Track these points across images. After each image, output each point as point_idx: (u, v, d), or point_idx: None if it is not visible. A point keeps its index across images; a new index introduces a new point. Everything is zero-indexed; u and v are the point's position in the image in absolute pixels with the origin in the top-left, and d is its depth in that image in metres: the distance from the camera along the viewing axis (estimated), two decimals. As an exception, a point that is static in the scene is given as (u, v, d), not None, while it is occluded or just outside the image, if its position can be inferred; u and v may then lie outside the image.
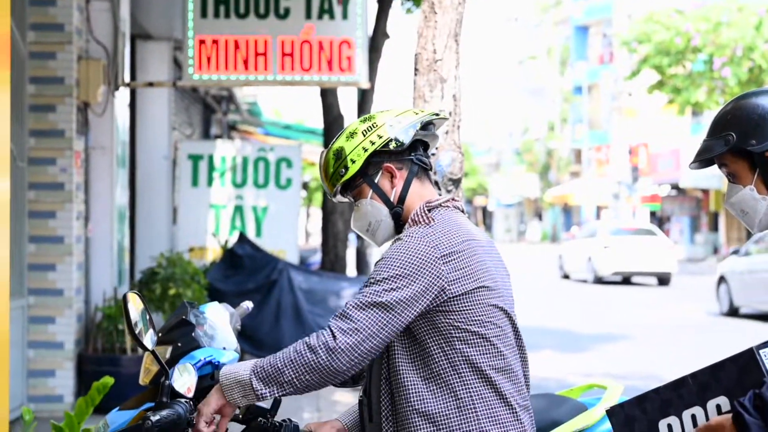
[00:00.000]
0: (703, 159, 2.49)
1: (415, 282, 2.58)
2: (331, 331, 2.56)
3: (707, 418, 2.22)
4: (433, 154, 4.04)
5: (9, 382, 3.91)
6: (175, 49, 11.37)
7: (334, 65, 8.33)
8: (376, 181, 2.76)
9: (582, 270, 26.74)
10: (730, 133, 2.44)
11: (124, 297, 2.89)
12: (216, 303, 3.49)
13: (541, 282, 26.30)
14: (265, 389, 2.59)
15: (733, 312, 17.32)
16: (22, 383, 7.68)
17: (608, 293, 22.94)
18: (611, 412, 2.42)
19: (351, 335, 2.55)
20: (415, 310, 2.59)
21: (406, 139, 2.74)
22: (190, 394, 2.98)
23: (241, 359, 3.23)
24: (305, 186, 28.90)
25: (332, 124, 12.26)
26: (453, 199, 2.81)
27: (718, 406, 2.19)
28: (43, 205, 7.87)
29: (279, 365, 2.59)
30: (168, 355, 3.20)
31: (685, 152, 34.21)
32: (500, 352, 2.67)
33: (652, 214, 40.91)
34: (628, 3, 42.83)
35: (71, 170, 7.89)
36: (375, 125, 2.76)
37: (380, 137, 2.74)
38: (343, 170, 2.75)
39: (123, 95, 9.01)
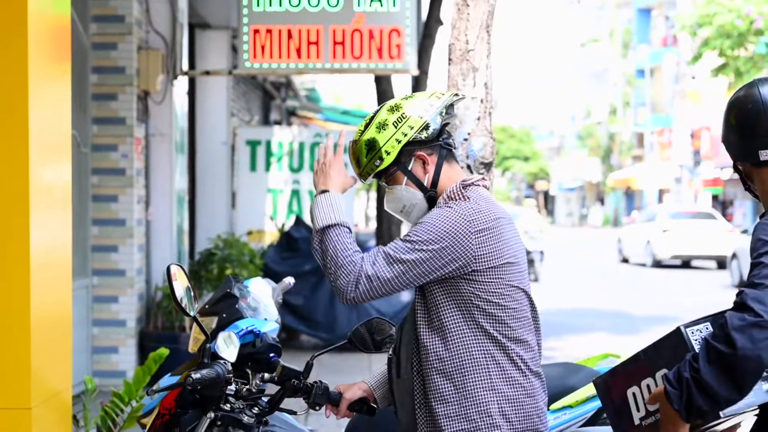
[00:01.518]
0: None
1: (444, 250, 2.79)
2: (361, 268, 2.80)
3: (657, 387, 2.48)
4: (465, 140, 4.29)
5: (72, 355, 4.23)
6: (232, 37, 11.68)
7: (384, 53, 8.56)
8: (409, 168, 2.93)
9: (641, 254, 26.66)
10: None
11: (168, 269, 3.16)
12: (259, 278, 3.77)
13: (600, 266, 26.30)
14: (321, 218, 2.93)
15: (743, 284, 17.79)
16: (87, 359, 8.06)
17: (666, 277, 22.89)
18: (596, 384, 2.69)
19: (371, 281, 2.80)
20: (435, 274, 2.81)
21: (436, 127, 2.92)
22: (233, 359, 3.26)
23: (291, 335, 3.51)
24: (364, 171, 29.14)
25: (386, 110, 12.48)
26: (483, 178, 3.01)
27: (664, 376, 2.44)
28: (105, 190, 8.23)
29: (331, 255, 2.85)
30: (214, 325, 3.49)
31: (748, 135, 33.73)
32: (514, 325, 2.87)
33: (715, 198, 40.48)
34: (691, -16, 42.32)
35: (132, 156, 8.25)
36: (404, 116, 2.91)
37: (412, 128, 2.90)
38: (378, 161, 2.92)
39: (181, 83, 9.33)
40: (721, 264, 25.17)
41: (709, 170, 40.16)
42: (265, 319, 3.57)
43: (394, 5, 8.57)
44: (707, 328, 2.43)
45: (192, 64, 10.85)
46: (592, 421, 3.56)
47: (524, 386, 2.87)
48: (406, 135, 2.90)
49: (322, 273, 11.19)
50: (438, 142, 2.94)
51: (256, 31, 8.62)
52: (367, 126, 2.98)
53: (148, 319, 8.56)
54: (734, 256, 20.13)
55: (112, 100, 8.23)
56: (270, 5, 8.60)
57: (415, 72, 9.06)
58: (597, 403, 3.55)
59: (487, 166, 4.31)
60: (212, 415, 3.17)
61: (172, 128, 8.93)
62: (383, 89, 12.57)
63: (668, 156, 46.73)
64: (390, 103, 3.00)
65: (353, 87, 42.55)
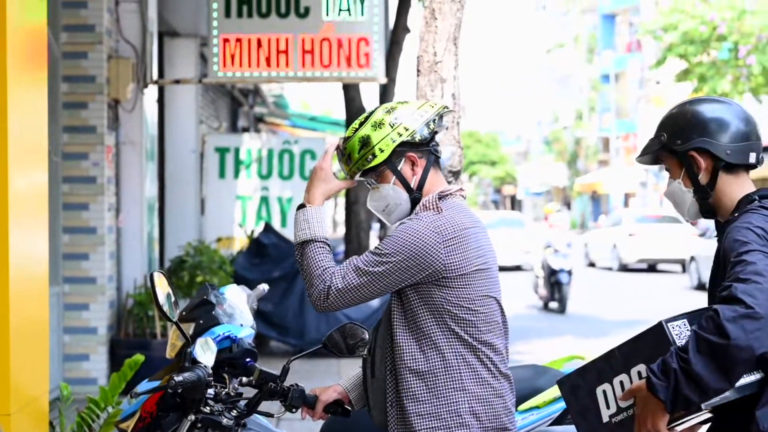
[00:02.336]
0: (645, 154, 2.84)
1: (411, 261, 2.92)
2: (332, 281, 2.96)
3: (631, 383, 2.56)
4: (435, 148, 4.40)
5: (48, 361, 4.29)
6: (201, 45, 11.73)
7: (352, 61, 8.68)
8: (399, 168, 3.06)
9: (607, 258, 26.90)
10: (663, 133, 2.79)
11: (151, 276, 3.26)
12: (234, 285, 3.87)
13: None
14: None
15: (702, 287, 19.29)
16: (58, 367, 8.09)
17: (633, 280, 23.13)
18: (560, 383, 2.78)
19: (341, 293, 2.96)
20: (403, 284, 2.97)
21: (428, 132, 3.07)
22: (210, 364, 3.35)
23: (261, 341, 3.60)
24: (332, 177, 29.20)
25: (354, 116, 12.60)
26: (461, 189, 3.14)
27: (639, 373, 2.53)
28: (76, 198, 8.28)
29: (305, 269, 3.03)
30: (191, 331, 3.57)
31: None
32: (484, 329, 3.00)
33: (680, 202, 40.86)
34: (655, -9, 42.77)
35: (103, 164, 8.30)
36: (400, 118, 3.05)
37: (407, 129, 3.03)
38: (371, 157, 3.03)
39: (151, 92, 9.39)
40: (686, 267, 25.47)
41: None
42: (241, 325, 3.67)
43: (362, 14, 8.69)
44: (685, 324, 2.53)
45: (161, 72, 10.90)
46: (558, 420, 3.69)
47: (493, 386, 2.99)
48: (401, 135, 3.03)
49: (292, 279, 11.21)
50: (428, 148, 3.09)
51: (226, 40, 8.71)
52: (361, 124, 3.09)
53: (119, 327, 8.61)
54: (693, 259, 20.81)
55: (82, 109, 8.28)
56: (240, 15, 8.69)
57: (384, 80, 9.20)
58: (562, 404, 3.67)
59: (455, 174, 4.44)
60: (193, 417, 3.26)
61: (143, 136, 8.99)
62: (351, 96, 12.69)
63: (633, 160, 47.10)
64: (387, 105, 3.14)
65: (321, 93, 42.64)
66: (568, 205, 60.21)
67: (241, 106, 18.04)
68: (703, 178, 2.73)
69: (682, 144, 2.74)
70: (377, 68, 8.77)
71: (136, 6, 8.93)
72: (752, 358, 2.41)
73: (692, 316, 2.56)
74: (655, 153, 2.81)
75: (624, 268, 26.06)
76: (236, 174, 12.14)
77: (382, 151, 3.03)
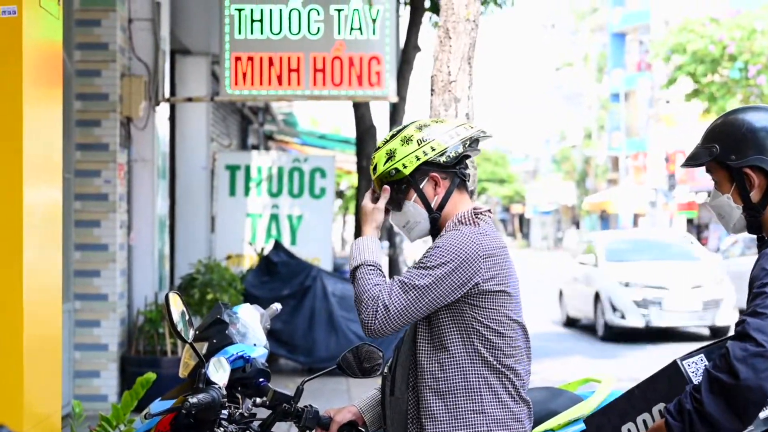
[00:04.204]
0: (692, 164, 2.78)
1: (455, 272, 2.91)
2: (380, 296, 2.92)
3: (653, 421, 2.56)
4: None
5: (61, 379, 4.29)
6: (213, 63, 11.78)
7: (363, 80, 8.70)
8: (421, 186, 3.04)
9: (616, 278, 26.78)
10: (715, 145, 2.71)
11: (167, 296, 3.27)
12: (248, 304, 3.86)
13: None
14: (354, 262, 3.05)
15: None
16: (68, 383, 8.09)
17: (642, 300, 22.99)
18: (587, 422, 2.78)
19: (388, 310, 2.91)
20: (448, 298, 2.93)
21: (455, 155, 3.04)
22: (224, 384, 3.34)
23: (270, 359, 3.60)
24: (341, 194, 29.28)
25: (365, 134, 12.63)
26: (489, 210, 3.14)
27: (660, 411, 2.52)
28: (88, 215, 8.29)
29: (356, 293, 2.98)
30: (204, 350, 3.57)
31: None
32: (508, 352, 3.00)
33: (689, 221, 40.83)
34: (665, 10, 42.81)
35: (115, 181, 8.32)
36: (430, 136, 3.04)
37: (433, 149, 3.02)
38: (394, 172, 3.03)
39: (163, 109, 9.42)
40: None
41: (683, 194, 40.51)
42: (254, 345, 3.66)
43: (373, 33, 8.71)
44: (702, 360, 2.51)
45: (172, 90, 10.94)
46: (572, 443, 3.67)
47: (513, 411, 2.98)
48: (426, 154, 3.02)
49: (301, 297, 11.19)
50: (454, 170, 3.06)
51: (238, 59, 8.74)
52: (393, 136, 3.10)
53: (130, 344, 8.61)
54: None
55: (95, 126, 8.31)
56: (251, 33, 8.72)
57: (395, 99, 9.21)
58: (578, 427, 3.65)
59: (469, 194, 4.43)
60: None
61: (155, 154, 9.01)
62: (361, 114, 12.72)
63: (643, 180, 47.10)
64: (420, 121, 3.13)
65: (330, 111, 42.74)
66: (577, 224, 60.14)
67: (251, 123, 18.09)
68: (755, 195, 2.66)
69: (737, 159, 2.67)
70: (388, 87, 8.79)
71: (148, 24, 8.97)
72: (764, 399, 2.37)
73: (709, 350, 2.54)
74: (703, 164, 2.74)
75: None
76: (246, 192, 12.15)
77: (405, 166, 3.03)
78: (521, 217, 71.21)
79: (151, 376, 4.64)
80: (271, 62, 8.71)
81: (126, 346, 8.59)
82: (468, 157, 3.10)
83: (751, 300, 2.49)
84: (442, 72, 4.45)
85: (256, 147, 18.33)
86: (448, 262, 2.92)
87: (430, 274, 2.92)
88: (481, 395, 2.95)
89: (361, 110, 12.71)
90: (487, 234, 3.00)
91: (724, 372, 2.36)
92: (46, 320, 4.13)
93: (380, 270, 3.04)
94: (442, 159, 3.03)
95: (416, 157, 3.02)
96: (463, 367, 2.96)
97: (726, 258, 19.48)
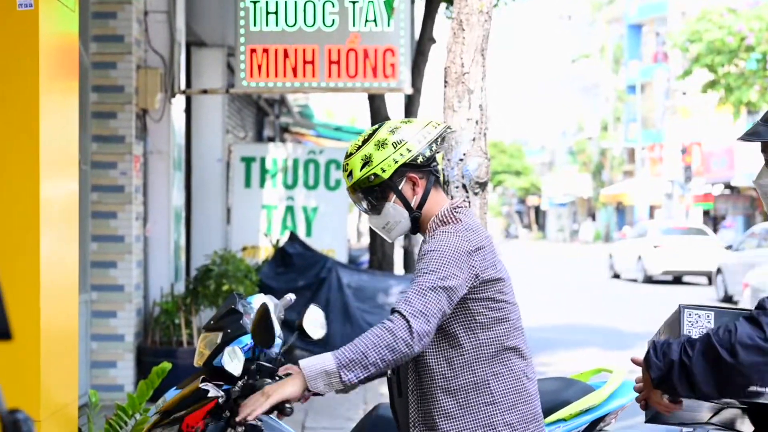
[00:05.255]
0: (750, 139, 2.64)
1: (460, 269, 2.94)
2: (403, 315, 2.86)
3: None
4: (461, 160, 4.42)
5: (78, 369, 4.34)
6: (228, 55, 11.81)
7: (378, 72, 8.71)
8: (400, 188, 3.10)
9: (632, 269, 26.78)
10: None
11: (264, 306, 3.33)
12: (261, 294, 3.90)
13: (591, 281, 26.42)
14: (352, 374, 2.84)
15: (728, 299, 19.28)
16: (85, 373, 8.15)
17: (658, 292, 23.00)
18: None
19: (420, 318, 2.85)
20: (461, 293, 2.95)
21: (430, 153, 3.09)
22: (238, 373, 3.38)
23: (285, 349, 3.62)
24: (357, 186, 29.23)
25: (380, 126, 12.64)
26: (464, 200, 3.18)
27: (650, 342, 2.60)
28: (104, 206, 8.35)
29: (361, 350, 2.82)
30: (219, 340, 3.60)
31: (738, 151, 34.01)
32: (511, 335, 3.05)
33: (706, 213, 40.68)
34: (682, 1, 42.60)
35: (131, 173, 8.37)
36: (403, 139, 3.08)
37: (409, 151, 3.06)
38: (373, 177, 3.07)
39: (179, 101, 9.47)
40: (712, 280, 25.30)
41: (700, 186, 40.36)
42: (268, 334, 3.69)
43: (388, 25, 8.72)
44: (708, 318, 2.54)
45: (188, 82, 10.97)
46: (585, 432, 3.69)
47: (521, 394, 3.03)
48: (403, 156, 3.06)
49: (316, 288, 11.19)
50: (429, 168, 3.12)
51: (253, 51, 8.76)
52: (365, 142, 3.12)
53: (146, 334, 8.66)
54: (719, 271, 20.54)
55: (111, 118, 8.36)
56: (266, 25, 8.74)
57: (409, 91, 9.22)
58: (590, 417, 3.68)
59: (482, 185, 4.45)
60: (241, 429, 3.26)
61: (170, 146, 9.05)
62: (377, 106, 12.73)
63: (659, 171, 46.95)
64: (390, 124, 3.16)
65: (346, 103, 42.74)
66: (592, 216, 60.02)
67: (267, 115, 18.12)
68: None
69: None
70: (403, 79, 8.80)
71: (164, 17, 9.01)
72: (747, 385, 2.41)
73: (720, 313, 2.55)
74: (762, 141, 2.61)
75: (649, 279, 25.94)
76: (262, 183, 12.19)
77: (384, 171, 3.07)
78: (537, 209, 71.09)
79: (167, 365, 4.69)
80: (286, 54, 8.73)
81: (142, 337, 8.65)
82: (437, 153, 3.16)
83: None
84: (455, 64, 4.46)
85: (271, 139, 18.37)
86: (447, 261, 2.94)
87: (442, 276, 2.92)
88: (489, 387, 2.99)
89: (376, 102, 12.72)
90: (471, 228, 3.04)
91: (725, 347, 2.38)
92: (63, 311, 4.17)
93: (354, 343, 2.89)
94: (420, 159, 3.08)
95: (394, 160, 3.06)
96: (470, 362, 2.99)
97: (742, 250, 19.44)
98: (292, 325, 11.23)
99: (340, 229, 12.47)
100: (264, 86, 8.94)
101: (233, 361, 3.44)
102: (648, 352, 2.51)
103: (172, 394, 3.66)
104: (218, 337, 3.61)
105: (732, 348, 2.36)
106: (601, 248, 43.59)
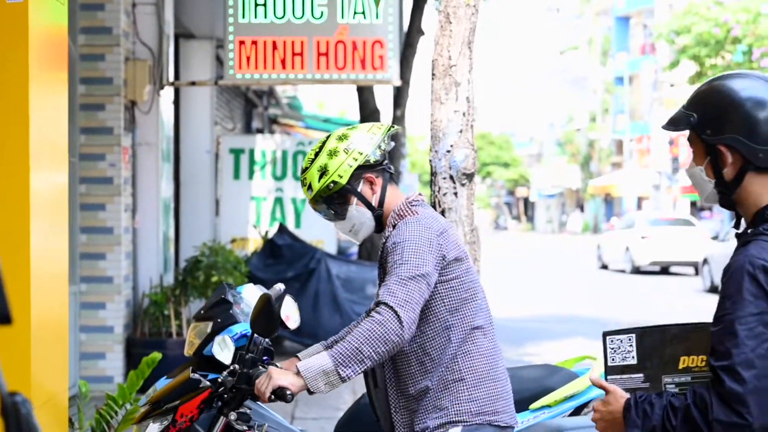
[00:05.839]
0: (671, 128, 2.57)
1: (430, 254, 3.07)
2: (389, 306, 2.97)
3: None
4: (448, 152, 4.47)
5: (68, 359, 4.37)
6: (217, 47, 11.82)
7: (367, 64, 8.74)
8: (359, 189, 3.24)
9: (620, 260, 26.91)
10: (694, 113, 2.49)
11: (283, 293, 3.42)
12: (251, 284, 3.94)
13: (579, 272, 26.52)
14: (349, 370, 2.94)
15: (714, 289, 19.55)
16: (74, 365, 8.17)
17: (645, 283, 23.13)
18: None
19: (406, 306, 2.97)
20: (435, 277, 3.08)
21: (380, 153, 3.24)
22: (228, 362, 3.42)
23: (275, 341, 3.67)
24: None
25: (368, 118, 12.68)
26: (420, 194, 3.29)
27: (632, 399, 2.40)
28: (93, 198, 8.36)
29: (355, 345, 2.93)
30: (209, 330, 3.64)
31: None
32: (476, 315, 3.17)
33: (693, 204, 40.86)
34: (669, -7, 42.70)
35: (119, 165, 8.38)
36: (353, 144, 3.23)
37: (361, 154, 3.22)
38: (332, 185, 3.22)
39: (167, 93, 9.47)
40: (699, 270, 25.44)
41: (687, 177, 40.43)
42: (258, 324, 3.73)
43: (377, 17, 8.75)
44: (630, 340, 2.44)
45: (177, 74, 10.98)
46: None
47: (488, 372, 3.14)
48: (356, 160, 3.21)
49: (305, 279, 11.23)
50: (383, 167, 3.27)
51: (242, 43, 8.78)
52: (317, 154, 3.26)
53: (135, 326, 8.69)
54: (705, 261, 20.74)
55: (99, 110, 8.37)
56: (255, 17, 8.76)
57: (398, 83, 9.26)
58: (574, 403, 3.73)
59: (469, 176, 4.50)
60: (234, 415, 3.33)
61: (159, 137, 9.07)
62: (365, 98, 12.77)
63: (647, 163, 47.12)
64: (337, 132, 3.30)
65: (335, 94, 42.73)
66: (581, 207, 60.19)
67: (256, 107, 18.13)
68: (728, 173, 2.45)
69: (712, 135, 2.45)
70: (391, 71, 8.83)
71: (152, 9, 9.01)
72: None
73: (642, 333, 2.45)
74: (681, 130, 2.55)
75: (636, 270, 26.06)
76: (251, 175, 12.22)
77: (341, 177, 3.21)
78: (526, 201, 71.24)
79: (157, 355, 4.73)
80: (274, 46, 8.75)
81: (131, 328, 8.68)
82: (388, 152, 3.29)
83: (716, 330, 2.33)
84: (442, 56, 4.50)
85: (260, 131, 18.38)
86: (418, 249, 3.06)
87: (415, 264, 3.03)
88: (458, 363, 3.11)
89: (365, 94, 12.76)
90: (431, 215, 3.19)
91: (704, 423, 2.29)
92: (53, 302, 4.20)
93: (346, 340, 2.99)
94: (372, 159, 3.22)
95: (348, 165, 3.21)
96: (442, 343, 3.11)
97: (728, 241, 19.56)
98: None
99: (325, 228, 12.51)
100: (252, 78, 8.96)
101: (223, 351, 3.49)
102: (626, 409, 2.39)
103: (162, 384, 3.70)
104: (208, 326, 3.66)
105: (710, 426, 2.28)
106: (589, 239, 43.76)
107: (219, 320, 3.63)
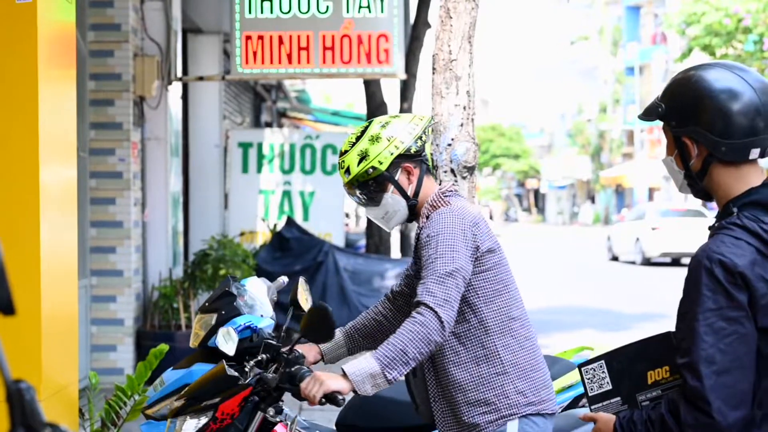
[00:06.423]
0: (644, 118, 2.55)
1: (465, 247, 3.12)
2: (429, 307, 3.02)
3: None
4: (449, 145, 4.54)
5: (78, 351, 4.46)
6: (224, 41, 11.89)
7: (372, 58, 8.81)
8: (396, 178, 3.28)
9: (630, 251, 26.87)
10: (662, 104, 2.49)
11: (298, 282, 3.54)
12: (255, 277, 4.01)
13: (590, 264, 26.53)
14: (395, 372, 3.00)
15: None
16: (85, 357, 8.28)
17: (656, 274, 23.13)
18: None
19: (446, 305, 3.03)
20: (470, 269, 3.13)
21: (421, 144, 3.30)
22: (232, 353, 3.50)
23: (277, 330, 3.75)
24: (355, 170, 29.34)
25: (375, 111, 12.75)
26: (453, 184, 3.34)
27: (619, 420, 2.46)
28: (103, 193, 8.46)
29: (399, 347, 2.98)
30: (213, 321, 3.72)
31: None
32: (512, 305, 3.22)
33: (704, 195, 40.68)
34: (679, -17, 42.55)
35: (129, 160, 8.47)
36: (395, 132, 3.28)
37: (402, 143, 3.26)
38: (371, 170, 3.26)
39: (176, 88, 9.56)
40: (709, 261, 25.32)
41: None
42: (261, 316, 3.81)
43: (382, 11, 8.81)
44: (601, 367, 2.51)
45: (185, 68, 11.06)
46: (569, 408, 3.81)
47: (530, 362, 3.19)
48: (397, 148, 3.26)
49: (313, 272, 11.30)
50: (420, 158, 3.32)
51: (248, 38, 8.86)
52: (358, 138, 3.31)
53: (145, 318, 8.78)
54: None
55: (109, 106, 8.46)
56: (261, 12, 8.84)
57: (403, 76, 9.32)
58: (573, 393, 3.80)
59: (470, 169, 4.56)
60: (272, 411, 3.33)
61: (167, 132, 9.15)
62: (372, 91, 12.83)
63: (658, 154, 47.00)
64: (381, 119, 3.36)
65: (343, 88, 42.78)
66: (592, 198, 60.12)
67: (264, 101, 18.20)
68: (695, 164, 2.44)
69: (677, 127, 2.45)
70: (397, 64, 8.90)
71: (160, 5, 9.10)
72: None
73: (610, 357, 2.51)
74: (650, 118, 2.53)
75: (647, 261, 26.02)
76: (259, 169, 12.29)
77: (381, 163, 3.26)
78: (536, 192, 71.16)
79: (164, 347, 4.81)
80: (281, 41, 8.83)
81: (141, 321, 8.77)
82: (425, 143, 3.34)
83: (680, 331, 2.35)
84: (443, 51, 4.57)
85: (269, 124, 18.45)
86: (452, 242, 3.11)
87: (447, 259, 3.08)
88: (500, 357, 3.15)
89: (371, 88, 12.82)
90: (464, 207, 3.23)
91: (677, 429, 2.33)
92: (63, 295, 4.28)
93: (390, 342, 3.03)
94: (413, 150, 3.27)
95: (389, 152, 3.25)
96: (478, 335, 3.16)
97: None
98: (285, 307, 11.34)
99: (336, 214, 12.59)
100: (259, 73, 9.04)
101: (228, 342, 3.56)
102: (615, 431, 2.43)
103: (168, 375, 3.77)
104: (213, 318, 3.73)
105: (683, 430, 2.31)
106: (600, 231, 43.72)
107: (223, 312, 3.70)
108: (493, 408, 3.13)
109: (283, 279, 4.10)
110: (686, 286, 2.35)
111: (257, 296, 3.89)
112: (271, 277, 4.25)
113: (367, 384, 3.01)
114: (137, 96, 8.69)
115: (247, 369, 3.45)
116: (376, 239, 12.83)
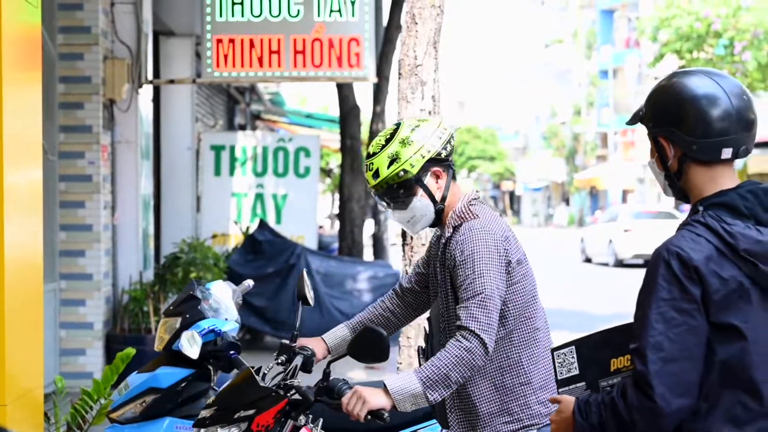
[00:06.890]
0: (629, 122, 2.66)
1: (499, 263, 3.13)
2: (474, 333, 3.03)
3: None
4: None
5: (43, 355, 4.45)
6: (196, 44, 11.87)
7: (343, 61, 8.83)
8: (425, 182, 3.27)
9: (603, 253, 27.03)
10: (643, 107, 2.60)
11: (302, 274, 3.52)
12: (220, 281, 4.03)
13: (563, 265, 26.64)
14: (437, 394, 3.02)
15: None
16: (54, 361, 8.25)
17: (628, 276, 23.24)
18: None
19: (488, 330, 3.04)
20: (505, 285, 3.14)
21: (450, 148, 3.30)
22: (196, 357, 3.51)
23: (255, 336, 3.76)
24: (330, 173, 29.37)
25: (348, 113, 12.78)
26: (477, 191, 3.38)
27: (578, 405, 2.51)
28: (72, 196, 8.43)
29: (444, 371, 3.01)
30: (178, 325, 3.74)
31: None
32: (535, 316, 3.24)
33: (677, 197, 40.96)
34: (653, -14, 42.81)
35: (99, 163, 8.45)
36: (426, 136, 3.26)
37: (434, 147, 3.25)
38: (402, 173, 3.23)
39: (146, 91, 9.54)
40: (681, 263, 25.48)
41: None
42: (226, 319, 3.83)
43: (353, 15, 8.83)
44: (571, 352, 2.57)
45: (156, 71, 11.04)
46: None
47: (550, 371, 3.19)
48: (429, 152, 3.24)
49: (285, 275, 11.28)
50: (448, 162, 3.31)
51: (219, 41, 8.86)
52: (388, 141, 3.28)
53: (115, 322, 8.76)
54: None
55: (78, 109, 8.43)
56: (232, 15, 8.84)
57: (374, 80, 9.34)
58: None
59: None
60: (303, 420, 3.28)
61: (138, 135, 9.13)
62: (345, 95, 12.86)
63: (632, 156, 47.26)
64: (410, 122, 3.33)
65: (318, 90, 42.75)
66: (566, 200, 60.36)
67: (238, 103, 18.17)
68: (672, 164, 2.54)
69: (654, 128, 2.56)
70: (368, 68, 8.92)
71: (131, 7, 9.07)
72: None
73: (580, 344, 2.58)
74: (635, 123, 2.65)
75: (620, 263, 26.17)
76: (231, 171, 12.29)
77: (412, 166, 3.23)
78: (512, 194, 71.35)
79: (131, 351, 4.81)
80: (252, 44, 8.84)
81: (111, 325, 8.75)
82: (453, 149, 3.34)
83: (636, 322, 2.44)
84: (408, 56, 4.60)
85: (243, 127, 18.43)
86: (489, 261, 3.11)
87: (486, 279, 3.09)
88: (524, 367, 3.17)
89: (344, 91, 12.84)
90: (492, 218, 3.23)
91: (626, 414, 2.38)
92: (27, 298, 4.27)
93: (435, 364, 3.04)
94: (443, 154, 3.26)
95: (421, 155, 3.23)
96: (504, 346, 3.17)
97: None
98: (260, 310, 11.34)
99: (309, 216, 12.60)
100: (230, 76, 9.04)
101: (192, 346, 3.58)
102: (573, 413, 2.49)
103: (133, 379, 3.78)
104: (177, 322, 3.75)
105: (630, 414, 2.37)
106: (574, 232, 43.87)
107: (187, 316, 3.72)
108: (516, 418, 3.15)
109: (249, 282, 4.12)
110: (645, 277, 2.45)
111: (222, 299, 3.91)
112: (243, 280, 4.26)
113: (407, 403, 3.02)
114: (107, 99, 8.66)
115: (213, 379, 3.47)
116: (348, 242, 12.85)
